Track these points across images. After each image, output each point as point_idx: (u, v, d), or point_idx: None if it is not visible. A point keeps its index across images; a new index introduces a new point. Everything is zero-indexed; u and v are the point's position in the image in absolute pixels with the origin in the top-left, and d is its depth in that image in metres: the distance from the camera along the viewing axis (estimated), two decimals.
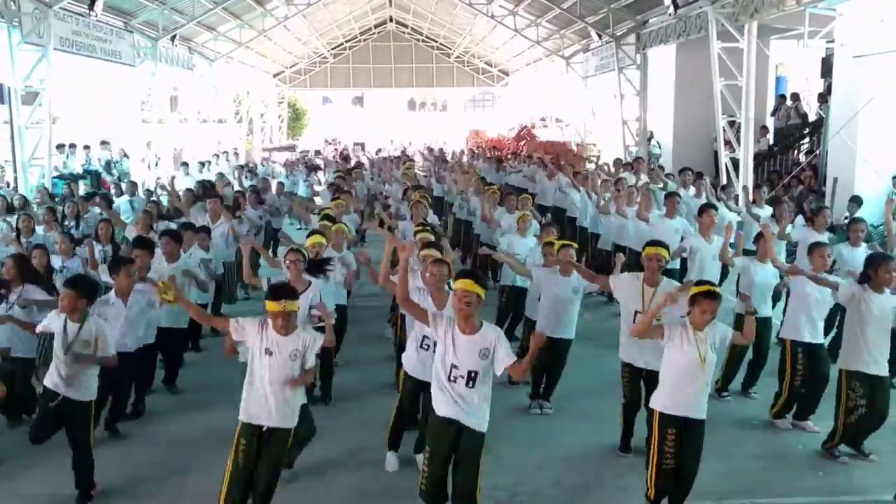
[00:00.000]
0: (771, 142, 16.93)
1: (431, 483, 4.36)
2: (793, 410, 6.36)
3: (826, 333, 6.56)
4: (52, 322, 5.09)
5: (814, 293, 6.12)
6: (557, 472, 5.48)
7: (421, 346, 5.21)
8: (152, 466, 5.58)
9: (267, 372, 4.33)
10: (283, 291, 4.39)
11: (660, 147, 19.39)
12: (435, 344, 4.56)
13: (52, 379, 4.97)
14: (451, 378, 4.29)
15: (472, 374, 4.27)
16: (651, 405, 4.83)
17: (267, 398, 4.34)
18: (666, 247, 5.67)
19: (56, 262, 7.48)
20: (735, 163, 13.91)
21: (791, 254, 9.03)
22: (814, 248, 6.27)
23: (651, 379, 5.34)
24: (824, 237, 7.81)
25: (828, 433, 5.83)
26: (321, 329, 4.84)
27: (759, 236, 7.02)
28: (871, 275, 5.58)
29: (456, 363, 4.28)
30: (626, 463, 5.62)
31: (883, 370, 5.61)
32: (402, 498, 5.09)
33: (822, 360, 6.25)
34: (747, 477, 5.38)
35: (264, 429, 4.37)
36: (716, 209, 8.25)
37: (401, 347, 5.98)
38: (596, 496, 5.18)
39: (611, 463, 5.63)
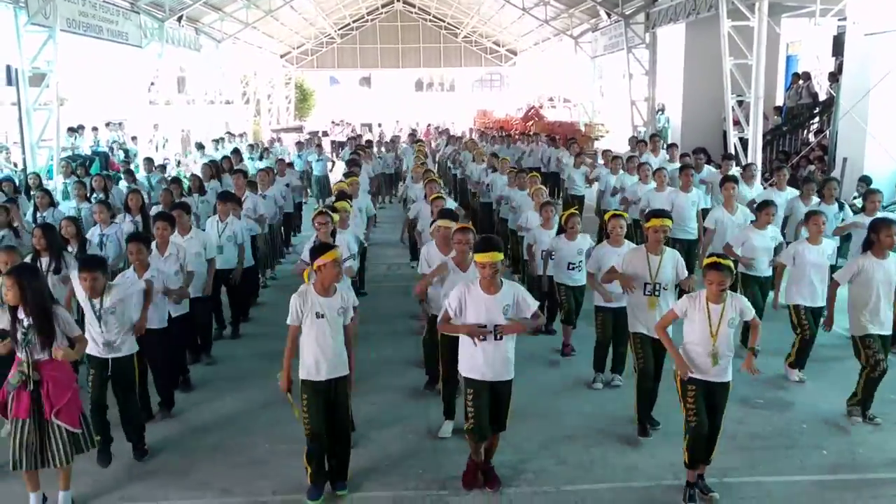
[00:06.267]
0: (780, 121, 16.79)
1: (479, 416, 4.78)
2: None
3: None
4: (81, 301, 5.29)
5: (811, 258, 6.51)
6: (562, 451, 5.52)
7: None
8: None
9: (321, 331, 4.76)
10: (323, 248, 4.85)
11: (668, 122, 19.24)
12: None
13: (94, 347, 5.23)
14: (481, 337, 4.67)
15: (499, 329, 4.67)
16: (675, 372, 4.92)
17: (325, 353, 4.77)
18: (669, 217, 5.89)
19: (94, 231, 7.67)
20: (744, 142, 13.82)
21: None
22: (810, 215, 6.73)
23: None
24: (834, 208, 8.25)
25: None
26: None
27: (755, 204, 7.47)
28: (873, 239, 5.75)
29: (484, 322, 4.66)
30: (631, 442, 5.65)
31: (887, 330, 5.84)
32: (408, 478, 5.17)
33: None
34: (751, 455, 5.40)
35: (326, 381, 4.77)
36: (736, 182, 8.54)
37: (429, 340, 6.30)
38: (600, 474, 5.21)
39: (615, 441, 5.66)
